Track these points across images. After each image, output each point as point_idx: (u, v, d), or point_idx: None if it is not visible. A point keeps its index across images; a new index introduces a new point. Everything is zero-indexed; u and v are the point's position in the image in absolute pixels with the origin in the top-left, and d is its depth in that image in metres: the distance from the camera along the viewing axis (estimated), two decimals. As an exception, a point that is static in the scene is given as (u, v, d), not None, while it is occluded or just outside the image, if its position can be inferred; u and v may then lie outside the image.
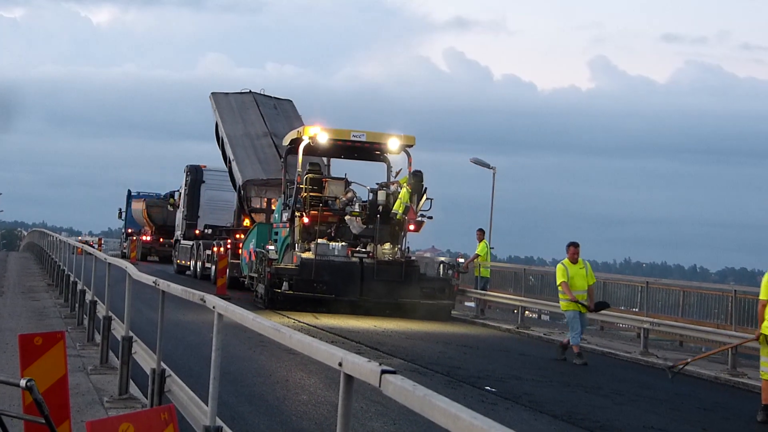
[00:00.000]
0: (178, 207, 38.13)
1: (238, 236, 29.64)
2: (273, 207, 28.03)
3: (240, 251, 27.99)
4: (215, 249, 30.15)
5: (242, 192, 29.24)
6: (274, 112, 31.67)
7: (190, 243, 35.01)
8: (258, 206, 29.28)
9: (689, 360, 14.62)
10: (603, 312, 21.51)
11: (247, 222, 29.90)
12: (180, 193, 37.83)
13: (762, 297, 11.72)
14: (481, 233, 25.61)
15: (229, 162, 30.34)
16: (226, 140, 30.38)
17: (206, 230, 34.42)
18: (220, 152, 31.80)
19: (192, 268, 34.26)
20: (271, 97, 32.40)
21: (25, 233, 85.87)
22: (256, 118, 31.10)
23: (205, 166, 36.80)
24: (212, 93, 32.32)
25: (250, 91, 32.33)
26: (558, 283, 16.29)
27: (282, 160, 25.74)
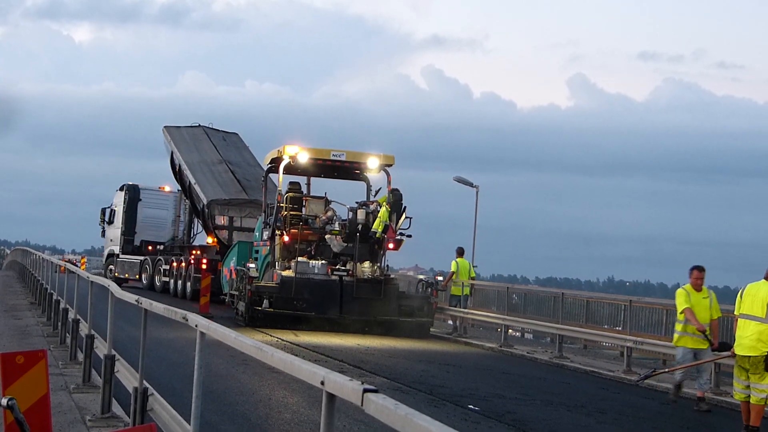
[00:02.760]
0: (111, 223, 39.64)
1: (195, 252, 32.30)
2: (235, 224, 31.05)
3: (203, 266, 29.71)
4: (175, 264, 32.78)
5: (206, 211, 31.15)
6: (224, 143, 34.70)
7: (138, 258, 37.02)
8: (221, 224, 31.18)
9: (665, 370, 14.71)
10: (586, 330, 21.65)
11: (210, 239, 31.92)
12: (114, 211, 39.49)
13: (679, 309, 11.83)
14: (458, 252, 25.43)
15: (189, 186, 32.74)
16: (184, 167, 32.92)
17: (159, 246, 36.78)
18: (177, 181, 34.75)
19: (145, 282, 35.73)
20: (219, 130, 35.47)
21: (8, 251, 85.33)
22: (209, 147, 34.01)
23: (139, 185, 38.92)
24: (165, 126, 35.17)
25: (200, 124, 35.39)
26: (680, 310, 13.79)
27: (262, 179, 25.90)
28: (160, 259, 35.09)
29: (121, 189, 38.86)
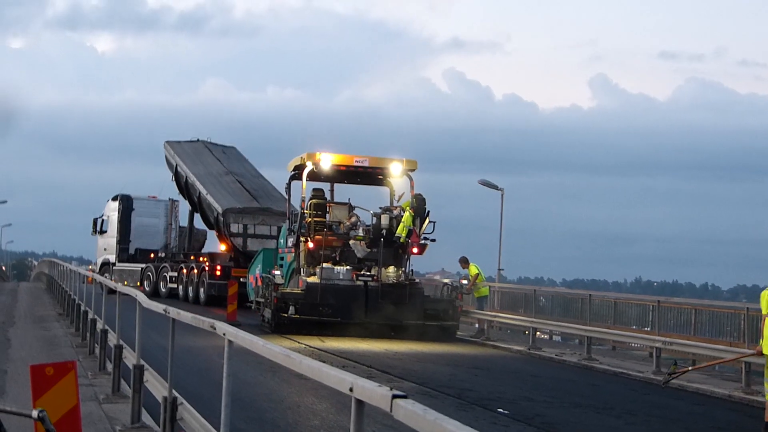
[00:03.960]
0: (104, 233, 40.59)
1: (203, 259, 33.44)
2: (248, 232, 31.94)
3: (217, 273, 31.22)
4: (185, 271, 33.79)
5: (221, 219, 32.14)
6: (225, 156, 36.43)
7: (138, 266, 37.83)
8: (236, 231, 32.09)
9: (688, 369, 14.56)
10: (614, 331, 21.52)
11: (224, 246, 33.03)
12: (105, 220, 40.56)
13: (764, 312, 11.61)
14: (464, 261, 25.30)
15: (200, 197, 33.92)
16: (193, 179, 34.27)
17: (160, 253, 37.96)
18: (183, 195, 36.01)
19: (148, 289, 36.07)
20: (217, 144, 37.23)
21: (36, 263, 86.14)
22: (213, 160, 35.69)
23: (131, 195, 40.12)
24: (166, 141, 36.92)
25: (198, 139, 37.12)
26: (765, 312, 12.19)
27: (286, 186, 26.01)
28: (165, 266, 35.89)
29: (114, 199, 40.06)
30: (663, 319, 20.33)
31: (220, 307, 26.74)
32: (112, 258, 39.48)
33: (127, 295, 11.28)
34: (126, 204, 39.40)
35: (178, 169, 35.60)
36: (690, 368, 14.93)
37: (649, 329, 21.53)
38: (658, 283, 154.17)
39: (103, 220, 40.68)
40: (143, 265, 37.44)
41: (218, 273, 31.30)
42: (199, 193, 33.82)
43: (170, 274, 35.10)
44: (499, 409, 12.13)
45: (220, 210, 32.19)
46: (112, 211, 40.02)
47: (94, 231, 41.32)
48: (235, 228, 32.01)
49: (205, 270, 32.05)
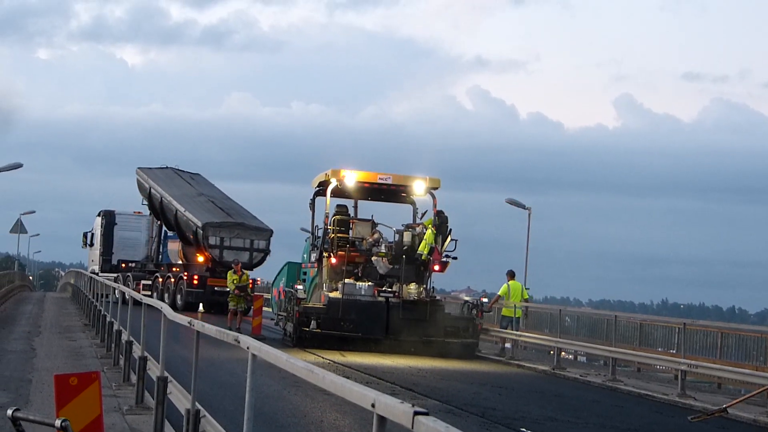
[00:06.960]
0: (92, 245, 43.86)
1: (176, 269, 36.72)
2: (225, 244, 33.95)
3: (194, 282, 33.96)
4: (161, 279, 36.74)
5: (200, 233, 34.08)
6: (194, 181, 39.35)
7: (112, 275, 39.43)
8: (213, 243, 34.07)
9: (724, 407, 14.31)
10: (640, 353, 21.35)
11: (202, 257, 35.10)
12: (93, 234, 43.90)
13: None
14: (509, 275, 25.53)
15: (175, 215, 35.87)
16: (169, 198, 36.47)
17: (131, 264, 41.09)
18: (158, 215, 38.23)
19: (118, 296, 37.69)
20: (184, 171, 40.30)
21: (63, 273, 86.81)
22: (183, 184, 38.51)
23: (115, 210, 43.57)
24: (139, 168, 39.74)
25: (168, 166, 40.08)
26: None
27: (310, 201, 26.16)
28: (128, 276, 38.93)
29: (99, 215, 43.01)
30: (689, 341, 20.12)
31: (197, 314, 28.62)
32: (97, 269, 41.48)
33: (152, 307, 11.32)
34: (109, 219, 42.54)
35: (152, 191, 37.80)
36: (725, 406, 14.61)
37: (674, 352, 21.33)
38: (684, 305, 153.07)
39: (92, 234, 43.72)
40: (115, 275, 39.34)
41: (195, 282, 34.19)
42: (176, 211, 35.72)
43: (144, 282, 37.59)
44: (523, 429, 12.05)
45: (199, 224, 33.98)
46: (97, 226, 43.02)
47: (84, 244, 44.27)
48: (213, 240, 33.94)
49: (183, 279, 34.81)
